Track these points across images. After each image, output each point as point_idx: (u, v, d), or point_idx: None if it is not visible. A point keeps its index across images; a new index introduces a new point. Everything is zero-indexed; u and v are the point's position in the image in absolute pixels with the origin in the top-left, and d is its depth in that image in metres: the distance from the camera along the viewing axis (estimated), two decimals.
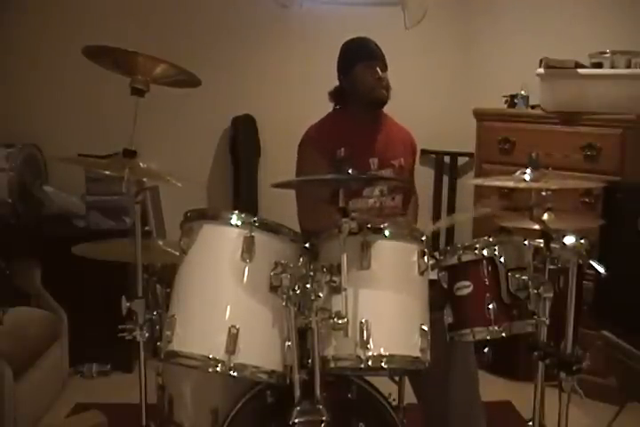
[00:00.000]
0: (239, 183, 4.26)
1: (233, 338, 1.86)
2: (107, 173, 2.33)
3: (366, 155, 2.77)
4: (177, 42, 4.01)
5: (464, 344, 2.35)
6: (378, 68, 2.75)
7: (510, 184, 2.29)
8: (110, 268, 2.46)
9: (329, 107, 2.92)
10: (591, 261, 2.02)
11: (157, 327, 2.11)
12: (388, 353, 1.91)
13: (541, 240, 2.10)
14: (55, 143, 4.07)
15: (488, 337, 2.12)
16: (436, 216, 4.43)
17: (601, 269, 2.04)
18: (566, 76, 3.56)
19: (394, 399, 2.29)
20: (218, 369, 1.87)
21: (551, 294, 2.02)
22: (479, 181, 3.66)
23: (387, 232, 2.01)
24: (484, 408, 2.49)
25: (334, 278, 1.88)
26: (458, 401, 2.42)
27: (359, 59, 2.78)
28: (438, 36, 4.34)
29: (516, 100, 3.87)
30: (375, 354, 1.90)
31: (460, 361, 2.41)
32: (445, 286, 2.16)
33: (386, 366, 1.92)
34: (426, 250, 2.04)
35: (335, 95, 2.87)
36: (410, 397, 2.45)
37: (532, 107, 3.82)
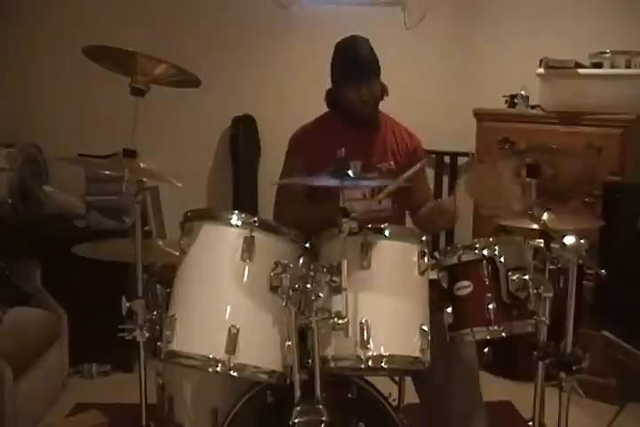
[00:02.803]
0: (239, 183, 4.27)
1: (233, 338, 1.86)
2: (107, 173, 2.33)
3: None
4: (177, 42, 4.02)
5: (465, 344, 2.35)
6: (363, 90, 2.63)
7: None
8: (110, 268, 2.46)
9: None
10: (591, 262, 2.02)
11: (157, 327, 2.11)
12: (388, 353, 1.92)
13: (541, 240, 2.10)
14: (55, 143, 4.07)
15: (488, 337, 2.12)
16: None
17: (601, 270, 2.04)
18: (566, 76, 3.56)
19: (394, 399, 2.29)
20: (218, 369, 1.87)
21: (551, 294, 2.02)
22: None
23: (387, 232, 2.01)
24: (485, 408, 2.49)
25: (334, 278, 1.88)
26: (459, 401, 2.41)
27: (344, 79, 2.67)
28: (438, 36, 4.33)
29: (516, 100, 3.87)
30: (375, 354, 1.90)
31: (460, 361, 2.41)
32: (445, 286, 2.16)
33: (386, 367, 1.92)
34: (426, 250, 2.05)
35: (328, 97, 2.82)
36: (410, 397, 2.44)
37: (532, 107, 3.82)
